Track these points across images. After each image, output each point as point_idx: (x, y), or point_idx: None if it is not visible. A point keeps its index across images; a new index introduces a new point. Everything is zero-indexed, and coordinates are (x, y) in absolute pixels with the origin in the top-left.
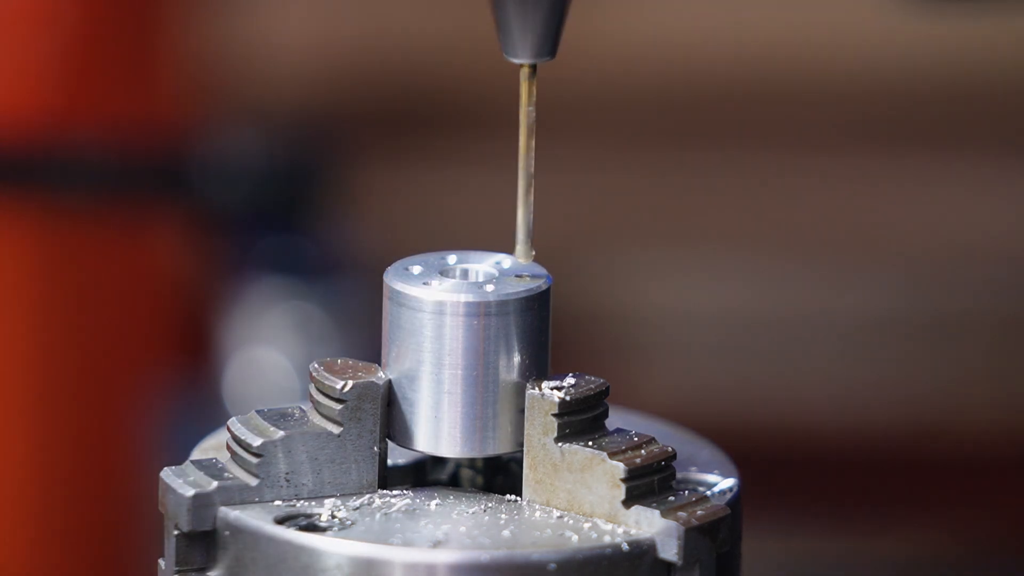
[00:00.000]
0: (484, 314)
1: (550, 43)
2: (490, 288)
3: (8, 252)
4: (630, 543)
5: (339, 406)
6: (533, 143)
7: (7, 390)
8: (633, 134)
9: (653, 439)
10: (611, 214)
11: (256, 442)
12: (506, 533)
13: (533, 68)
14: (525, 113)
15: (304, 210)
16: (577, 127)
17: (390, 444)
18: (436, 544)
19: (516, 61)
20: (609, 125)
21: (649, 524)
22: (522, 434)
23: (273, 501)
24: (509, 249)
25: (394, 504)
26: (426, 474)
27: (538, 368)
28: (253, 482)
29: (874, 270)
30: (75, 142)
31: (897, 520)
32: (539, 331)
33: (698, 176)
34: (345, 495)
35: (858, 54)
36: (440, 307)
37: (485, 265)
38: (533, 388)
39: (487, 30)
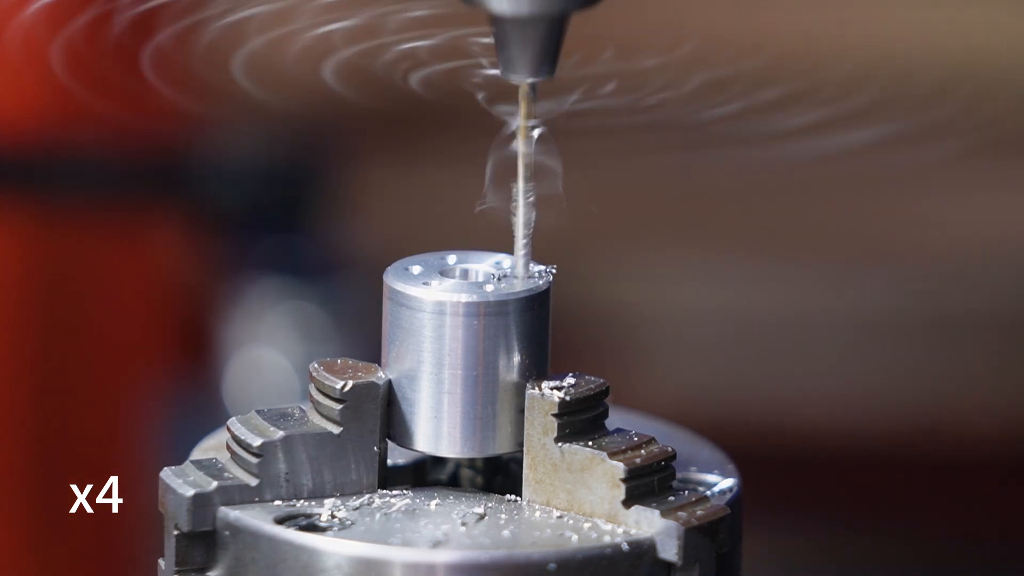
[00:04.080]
0: (484, 314)
1: (549, 61)
2: (490, 288)
3: (8, 252)
4: (630, 543)
5: (339, 406)
6: (532, 163)
7: (6, 389)
8: (635, 133)
9: (653, 439)
10: (612, 213)
11: (256, 442)
12: (506, 533)
13: (533, 87)
14: (524, 129)
15: (304, 210)
16: (579, 125)
17: (390, 444)
18: (436, 544)
19: (515, 79)
20: (610, 124)
21: (649, 524)
22: (522, 434)
23: (273, 501)
24: (508, 249)
25: (394, 504)
26: (426, 474)
27: (538, 368)
28: (253, 482)
29: (874, 270)
30: (75, 142)
31: (898, 520)
32: (539, 331)
33: (699, 175)
34: (345, 495)
35: (858, 53)
36: (440, 307)
37: (485, 265)
38: (533, 388)
39: (486, 29)
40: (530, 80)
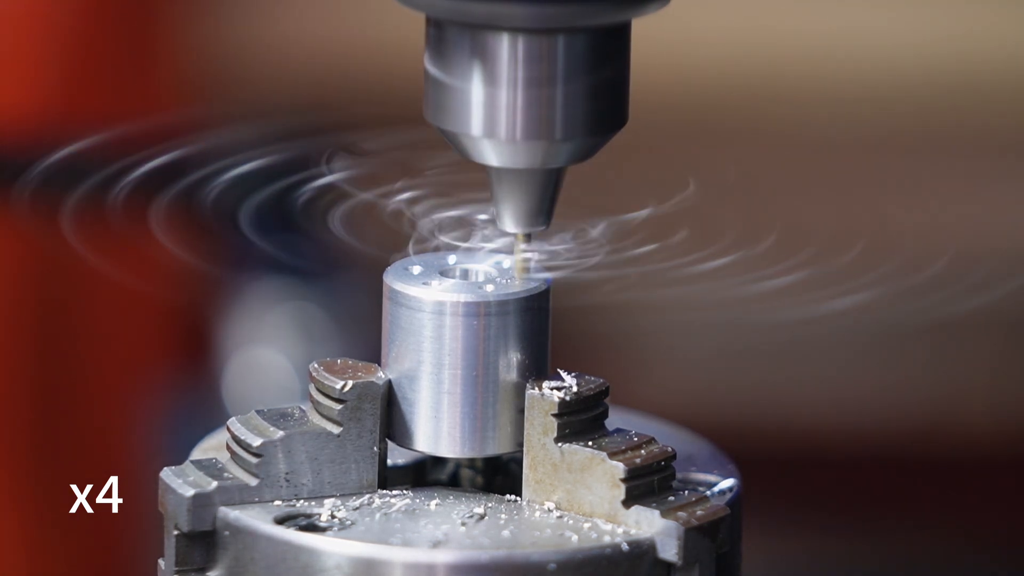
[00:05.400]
0: (484, 314)
1: (544, 213)
2: (490, 288)
3: (7, 252)
4: (630, 543)
5: (339, 406)
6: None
7: (6, 390)
8: (636, 133)
9: (653, 439)
10: (612, 213)
11: (256, 442)
12: (506, 533)
13: (527, 236)
14: (520, 270)
15: (304, 210)
16: None
17: (390, 444)
18: (436, 544)
19: (510, 229)
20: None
21: (649, 524)
22: (522, 434)
23: (273, 501)
24: (507, 249)
25: (394, 504)
26: (426, 474)
27: (538, 368)
28: (253, 482)
29: (875, 271)
30: (74, 142)
31: (897, 520)
32: (539, 331)
33: (700, 175)
34: (345, 495)
35: (858, 55)
36: (440, 307)
37: (485, 265)
38: (533, 388)
39: None
40: (524, 231)
